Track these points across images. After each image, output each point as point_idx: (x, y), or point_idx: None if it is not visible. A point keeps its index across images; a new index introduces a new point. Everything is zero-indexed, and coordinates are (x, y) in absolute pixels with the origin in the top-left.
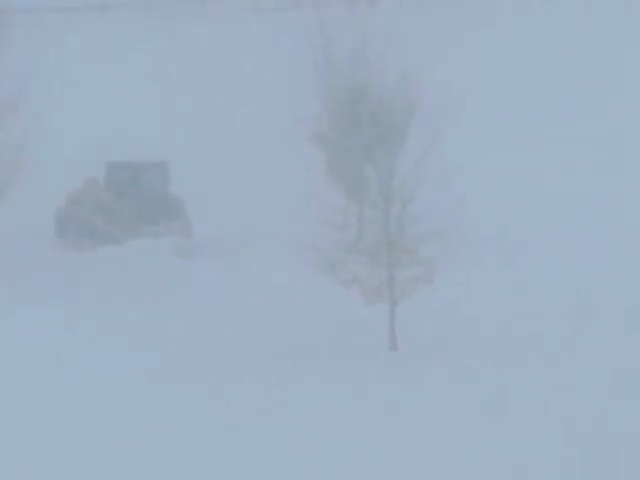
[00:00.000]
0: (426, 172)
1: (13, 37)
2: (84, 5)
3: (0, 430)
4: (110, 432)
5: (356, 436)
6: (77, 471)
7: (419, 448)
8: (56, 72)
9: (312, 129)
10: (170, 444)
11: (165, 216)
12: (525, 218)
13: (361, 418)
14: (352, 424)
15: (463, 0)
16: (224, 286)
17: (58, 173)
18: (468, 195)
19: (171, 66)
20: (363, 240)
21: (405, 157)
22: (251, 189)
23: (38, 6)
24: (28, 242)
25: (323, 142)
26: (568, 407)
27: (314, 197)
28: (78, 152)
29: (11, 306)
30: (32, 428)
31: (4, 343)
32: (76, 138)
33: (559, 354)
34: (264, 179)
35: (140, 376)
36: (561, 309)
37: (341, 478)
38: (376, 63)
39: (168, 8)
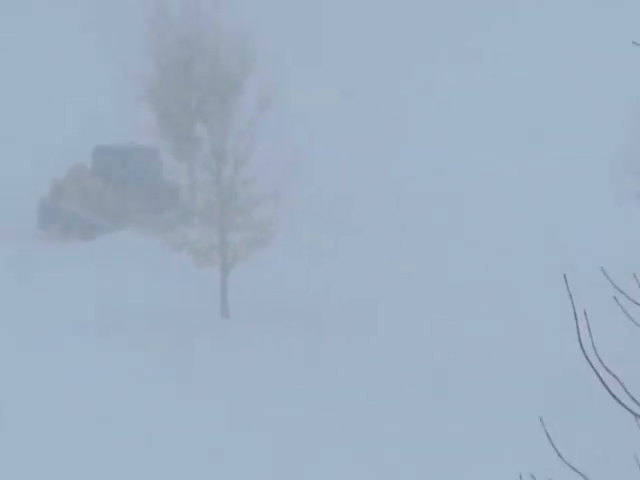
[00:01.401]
0: (261, 132)
1: None
2: None
3: None
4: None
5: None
6: None
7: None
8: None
9: (143, 86)
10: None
11: (158, 205)
12: (369, 187)
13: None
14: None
15: None
16: None
17: (42, 159)
18: (310, 159)
19: None
20: (194, 202)
21: (239, 117)
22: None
23: None
24: (11, 233)
25: (154, 100)
26: (362, 361)
27: None
28: (62, 136)
29: None
30: None
31: None
32: (59, 122)
33: (371, 321)
34: (92, 136)
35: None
36: (389, 278)
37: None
38: (211, 17)
39: None
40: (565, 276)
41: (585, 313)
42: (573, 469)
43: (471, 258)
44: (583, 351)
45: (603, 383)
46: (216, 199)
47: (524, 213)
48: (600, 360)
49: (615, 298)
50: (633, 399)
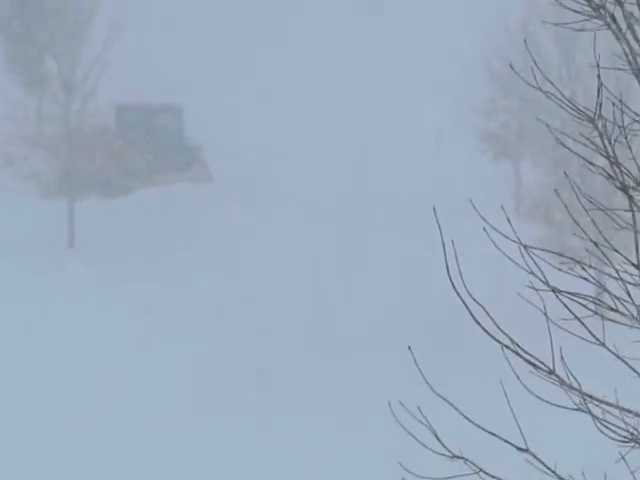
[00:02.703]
0: (108, 65)
1: None
2: None
3: None
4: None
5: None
6: None
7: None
8: None
9: None
10: None
11: (182, 162)
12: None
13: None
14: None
15: None
16: None
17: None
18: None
19: None
20: (43, 134)
21: (88, 51)
22: None
23: None
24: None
25: (4, 34)
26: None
27: None
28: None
29: None
30: None
31: None
32: None
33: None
34: None
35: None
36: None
37: None
38: None
39: None
40: (434, 208)
41: (453, 242)
42: (445, 400)
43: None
44: (454, 287)
45: (473, 317)
46: (64, 131)
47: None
48: (470, 295)
49: (485, 229)
50: (500, 329)
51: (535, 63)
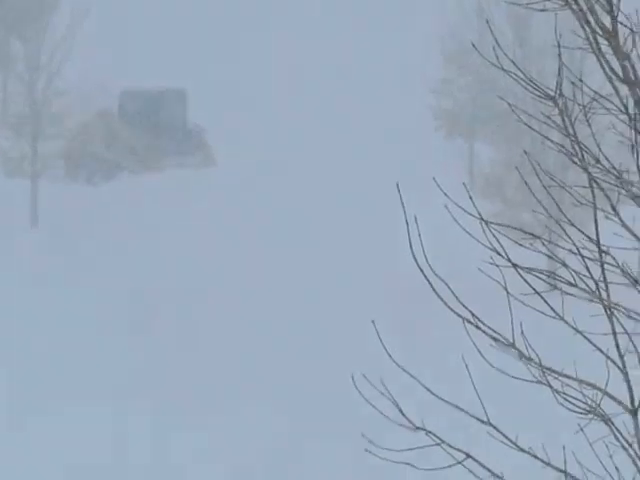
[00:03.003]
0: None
1: None
2: None
3: None
4: None
5: None
6: None
7: None
8: None
9: None
10: None
11: (185, 147)
12: None
13: None
14: None
15: None
16: None
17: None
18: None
19: None
20: (8, 113)
21: (54, 32)
22: None
23: None
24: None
25: None
26: None
27: None
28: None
29: None
30: None
31: None
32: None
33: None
34: None
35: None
36: None
37: None
38: None
39: None
40: (398, 185)
41: (416, 219)
42: (407, 373)
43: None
44: (417, 263)
45: (435, 292)
46: (28, 110)
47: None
48: (432, 270)
49: (446, 207)
50: (462, 303)
51: (497, 43)
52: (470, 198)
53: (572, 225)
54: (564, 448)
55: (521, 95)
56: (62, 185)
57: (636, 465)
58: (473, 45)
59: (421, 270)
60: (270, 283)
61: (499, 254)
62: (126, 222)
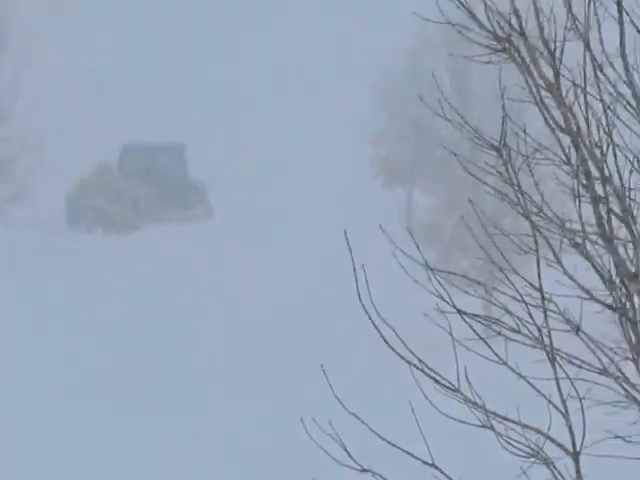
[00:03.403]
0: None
1: None
2: None
3: None
4: None
5: None
6: None
7: None
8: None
9: None
10: None
11: (185, 201)
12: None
13: None
14: None
15: None
16: None
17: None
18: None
19: None
20: None
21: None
22: None
23: None
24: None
25: None
26: None
27: None
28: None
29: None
30: None
31: None
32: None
33: None
34: None
35: None
36: None
37: None
38: None
39: None
40: (346, 232)
41: (363, 266)
42: (355, 416)
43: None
44: (365, 310)
45: (383, 337)
46: None
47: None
48: (380, 316)
49: (394, 254)
50: (412, 352)
51: (441, 93)
52: (416, 246)
53: (515, 273)
54: None
55: (462, 144)
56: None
57: None
58: (421, 98)
59: (369, 317)
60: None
61: (445, 300)
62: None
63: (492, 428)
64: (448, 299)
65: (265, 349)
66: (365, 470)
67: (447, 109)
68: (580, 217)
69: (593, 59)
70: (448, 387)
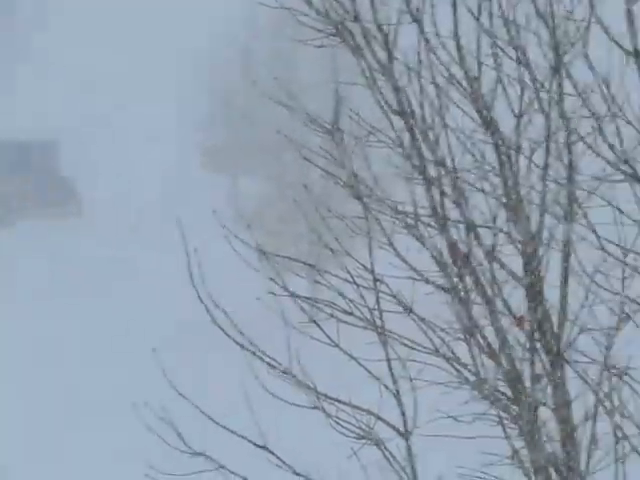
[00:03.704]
0: None
1: None
2: None
3: None
4: None
5: None
6: None
7: None
8: None
9: None
10: None
11: (55, 197)
12: None
13: None
14: None
15: None
16: None
17: None
18: None
19: None
20: None
21: None
22: None
23: None
24: None
25: None
26: None
27: None
28: None
29: None
30: None
31: None
32: None
33: None
34: None
35: None
36: None
37: None
38: None
39: None
40: (180, 220)
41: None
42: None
43: None
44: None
45: (215, 321)
46: None
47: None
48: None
49: (226, 238)
50: (241, 332)
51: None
52: (249, 227)
53: (348, 254)
54: (339, 472)
55: (293, 129)
56: None
57: None
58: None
59: (201, 301)
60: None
61: (277, 284)
62: None
63: (323, 409)
64: (280, 282)
65: (99, 332)
66: (198, 454)
67: (278, 95)
68: (413, 199)
69: (426, 42)
70: (279, 369)
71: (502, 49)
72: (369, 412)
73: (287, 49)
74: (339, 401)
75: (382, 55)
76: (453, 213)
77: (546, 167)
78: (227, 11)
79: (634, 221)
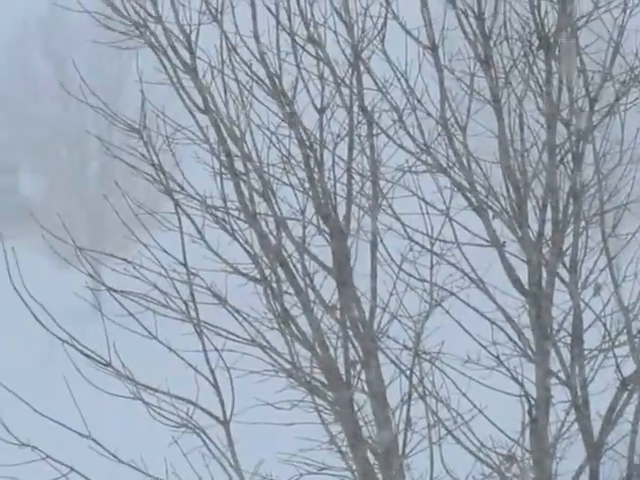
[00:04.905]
0: None
1: None
2: None
3: None
4: None
5: None
6: None
7: None
8: None
9: None
10: None
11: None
12: None
13: None
14: None
15: None
16: None
17: None
18: None
19: None
20: None
21: None
22: None
23: None
24: None
25: None
26: None
27: None
28: None
29: None
30: None
31: None
32: None
33: None
34: None
35: None
36: None
37: None
38: None
39: None
40: None
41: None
42: (9, 390)
43: None
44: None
45: (34, 315)
46: None
47: None
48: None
49: (43, 236)
50: (62, 328)
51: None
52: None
53: (163, 250)
54: (165, 460)
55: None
56: None
57: (227, 472)
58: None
59: (20, 296)
60: None
61: (94, 277)
62: None
63: (142, 400)
64: (97, 277)
65: None
66: (24, 444)
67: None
68: (222, 194)
69: (227, 40)
70: (99, 361)
71: (302, 46)
72: (188, 401)
73: (59, 49)
74: (159, 391)
75: (185, 55)
76: (262, 207)
77: (350, 159)
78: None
79: (439, 210)
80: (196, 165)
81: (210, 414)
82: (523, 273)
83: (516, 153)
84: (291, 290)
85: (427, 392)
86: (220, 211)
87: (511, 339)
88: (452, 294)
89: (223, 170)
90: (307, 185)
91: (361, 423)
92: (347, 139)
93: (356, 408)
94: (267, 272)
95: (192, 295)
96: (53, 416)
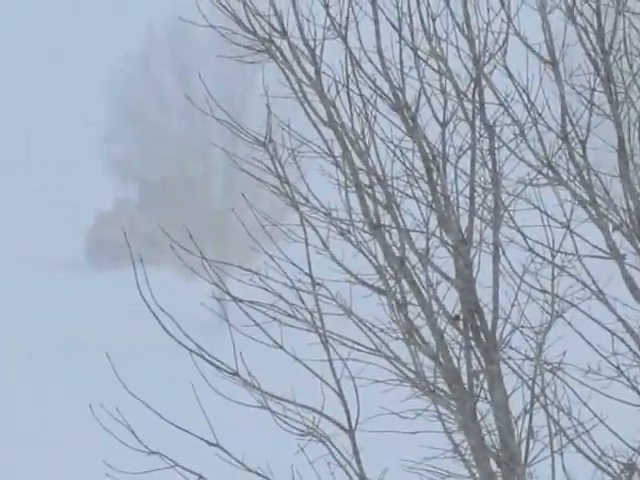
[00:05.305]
0: None
1: None
2: None
3: None
4: None
5: None
6: None
7: None
8: None
9: None
10: None
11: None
12: None
13: None
14: None
15: None
16: None
17: None
18: None
19: None
20: None
21: None
22: None
23: None
24: None
25: None
26: None
27: None
28: None
29: None
30: None
31: None
32: None
33: None
34: None
35: None
36: None
37: None
38: None
39: None
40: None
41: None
42: (140, 400)
43: None
44: (145, 301)
45: (163, 326)
46: None
47: None
48: (160, 306)
49: (172, 247)
50: (190, 338)
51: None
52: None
53: (289, 261)
54: (292, 468)
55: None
56: None
57: None
58: (188, 97)
59: (148, 306)
60: None
61: (220, 288)
62: None
63: (269, 408)
64: (223, 287)
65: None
66: (153, 452)
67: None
68: (347, 206)
69: (352, 56)
70: (227, 371)
71: (424, 61)
72: (314, 410)
73: (187, 65)
74: (285, 400)
75: (310, 69)
76: (386, 218)
77: (472, 173)
78: (131, 28)
79: (560, 223)
80: (321, 178)
81: (336, 423)
82: None
83: (636, 167)
84: (415, 301)
85: (549, 402)
86: (345, 223)
87: (631, 349)
88: (573, 305)
89: (348, 183)
90: (430, 198)
91: (484, 432)
92: (469, 152)
93: (479, 417)
94: (391, 283)
95: (317, 305)
96: (181, 425)
